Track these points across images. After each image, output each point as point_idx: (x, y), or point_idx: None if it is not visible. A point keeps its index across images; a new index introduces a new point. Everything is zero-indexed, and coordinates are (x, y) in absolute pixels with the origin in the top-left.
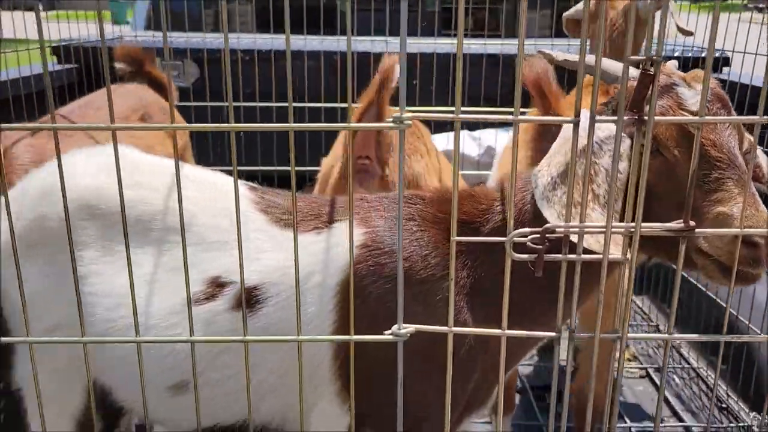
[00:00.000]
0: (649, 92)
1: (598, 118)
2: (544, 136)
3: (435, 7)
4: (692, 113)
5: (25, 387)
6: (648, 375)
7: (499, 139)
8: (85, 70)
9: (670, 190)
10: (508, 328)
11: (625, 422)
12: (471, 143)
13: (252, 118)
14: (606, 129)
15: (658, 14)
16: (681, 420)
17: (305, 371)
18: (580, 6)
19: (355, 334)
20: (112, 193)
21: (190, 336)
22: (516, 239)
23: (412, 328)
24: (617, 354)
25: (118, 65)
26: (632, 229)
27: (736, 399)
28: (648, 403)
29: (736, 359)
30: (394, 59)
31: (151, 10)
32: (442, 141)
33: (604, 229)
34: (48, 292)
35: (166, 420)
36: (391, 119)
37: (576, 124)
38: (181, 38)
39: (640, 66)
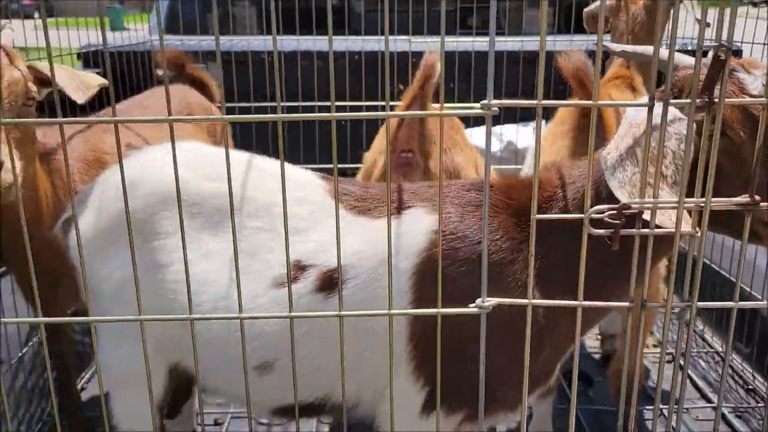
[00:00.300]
0: (720, 77)
1: (672, 101)
2: (586, 127)
3: (453, 6)
4: (752, 96)
5: (105, 371)
6: (674, 359)
7: (520, 135)
8: (112, 75)
9: (735, 168)
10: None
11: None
12: (492, 139)
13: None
14: (670, 113)
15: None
16: (709, 401)
17: (380, 352)
18: (594, 5)
19: (428, 316)
20: (192, 185)
21: (290, 313)
22: (593, 215)
23: (494, 301)
24: (685, 323)
25: (159, 71)
26: (702, 205)
27: (762, 380)
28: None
29: (761, 342)
30: (435, 56)
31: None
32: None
33: (676, 205)
34: (130, 281)
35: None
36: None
37: (650, 108)
38: (204, 41)
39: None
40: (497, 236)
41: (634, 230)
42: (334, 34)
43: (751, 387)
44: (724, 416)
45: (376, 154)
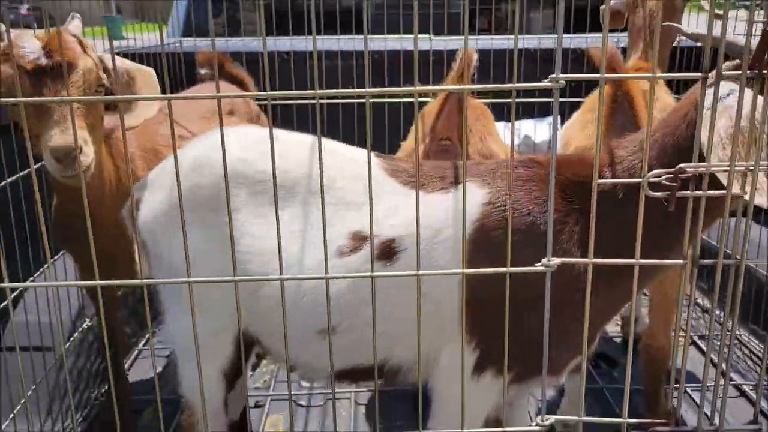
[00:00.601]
0: None
1: (724, 73)
2: (616, 112)
3: (460, 8)
4: None
5: (174, 342)
6: (694, 342)
7: (537, 130)
8: None
9: None
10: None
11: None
12: (509, 133)
13: (334, 112)
14: (725, 87)
15: None
16: (731, 379)
17: (434, 319)
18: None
19: (483, 279)
20: (257, 164)
21: (326, 273)
22: (651, 179)
23: (558, 260)
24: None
25: (202, 70)
26: (751, 167)
27: None
28: (699, 367)
29: None
30: (471, 50)
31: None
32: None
33: (727, 168)
34: (204, 253)
35: (307, 363)
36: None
37: (704, 79)
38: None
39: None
40: (545, 208)
41: (688, 192)
42: (350, 34)
43: None
44: (744, 393)
45: (414, 143)
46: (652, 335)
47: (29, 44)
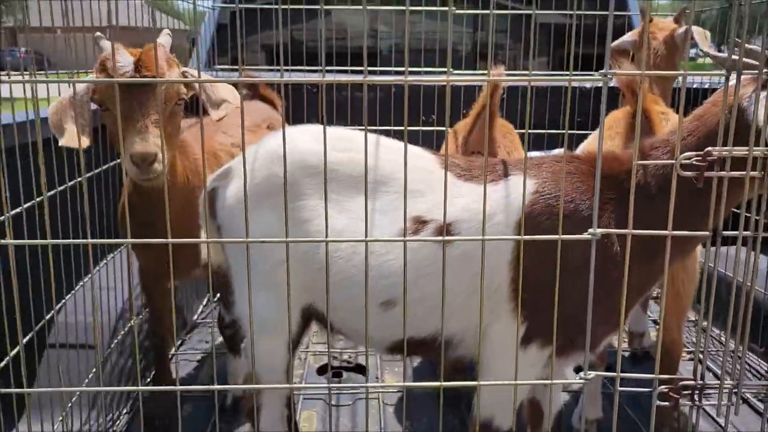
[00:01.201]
0: None
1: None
2: (634, 128)
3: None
4: None
5: (243, 318)
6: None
7: None
8: None
9: None
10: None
11: None
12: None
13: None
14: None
15: None
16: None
17: (485, 295)
18: (625, 37)
19: (530, 259)
20: (328, 156)
21: (365, 237)
22: (682, 161)
23: (602, 230)
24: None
25: (243, 91)
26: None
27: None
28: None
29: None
30: (500, 70)
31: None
32: None
33: (747, 152)
34: (278, 233)
35: (370, 333)
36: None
37: (727, 78)
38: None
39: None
40: (586, 197)
41: (713, 173)
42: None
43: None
44: (746, 400)
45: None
46: (665, 330)
47: (124, 59)
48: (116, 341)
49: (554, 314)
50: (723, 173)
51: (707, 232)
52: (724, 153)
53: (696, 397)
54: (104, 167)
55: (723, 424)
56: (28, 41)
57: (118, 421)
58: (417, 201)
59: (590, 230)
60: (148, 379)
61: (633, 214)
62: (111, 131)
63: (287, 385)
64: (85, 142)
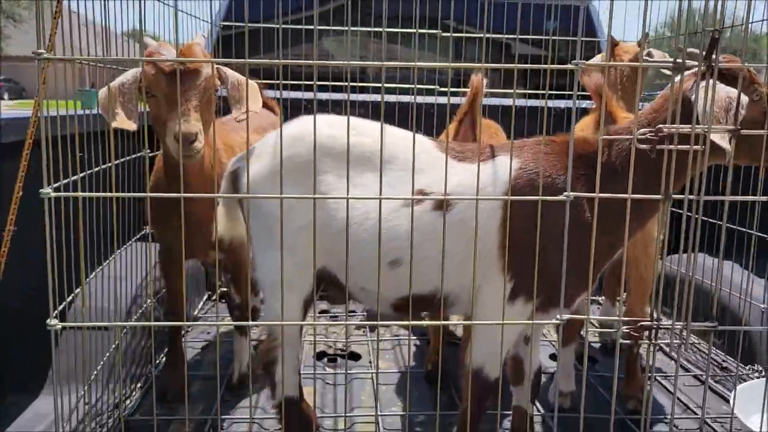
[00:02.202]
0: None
1: (688, 63)
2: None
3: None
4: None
5: (264, 281)
6: (661, 349)
7: None
8: None
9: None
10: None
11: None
12: None
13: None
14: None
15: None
16: (688, 370)
17: (478, 257)
18: (596, 58)
19: (515, 223)
20: (339, 139)
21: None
22: (639, 137)
23: (574, 194)
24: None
25: None
26: (706, 130)
27: (732, 360)
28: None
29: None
30: (479, 79)
31: None
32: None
33: (690, 129)
34: (299, 203)
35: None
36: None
37: (682, 71)
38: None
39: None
40: (561, 172)
41: (664, 146)
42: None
43: (725, 366)
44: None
45: None
46: (630, 313)
47: (168, 52)
48: (135, 318)
49: (535, 271)
50: (671, 146)
51: (660, 196)
52: (672, 129)
53: (652, 337)
54: (133, 156)
55: (676, 361)
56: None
57: (133, 395)
58: (419, 177)
59: (565, 193)
60: (163, 358)
61: (600, 186)
62: (154, 115)
63: (307, 323)
64: (134, 125)
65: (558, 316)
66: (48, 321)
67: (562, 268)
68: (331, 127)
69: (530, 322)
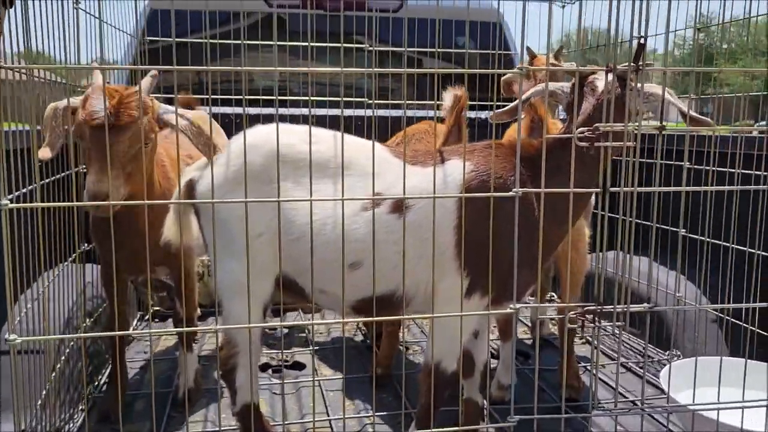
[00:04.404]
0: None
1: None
2: (533, 131)
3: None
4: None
5: (223, 287)
6: (587, 341)
7: None
8: None
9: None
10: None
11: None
12: None
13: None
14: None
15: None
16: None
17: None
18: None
19: (469, 223)
20: (296, 146)
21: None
22: (578, 135)
23: (522, 190)
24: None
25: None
26: (630, 127)
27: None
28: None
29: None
30: (462, 92)
31: None
32: None
33: (622, 128)
34: (255, 211)
35: (335, 293)
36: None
37: (607, 73)
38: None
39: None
40: (509, 173)
41: (602, 143)
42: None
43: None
44: (630, 369)
45: None
46: (564, 307)
47: (98, 104)
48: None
49: (490, 266)
50: (607, 143)
51: (598, 189)
52: (606, 128)
53: (597, 320)
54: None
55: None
56: None
57: (75, 418)
58: (375, 181)
59: (514, 189)
60: (103, 379)
61: (544, 183)
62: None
63: (274, 324)
64: (49, 154)
65: (511, 306)
66: (6, 336)
67: (514, 261)
68: (286, 134)
69: (487, 312)
